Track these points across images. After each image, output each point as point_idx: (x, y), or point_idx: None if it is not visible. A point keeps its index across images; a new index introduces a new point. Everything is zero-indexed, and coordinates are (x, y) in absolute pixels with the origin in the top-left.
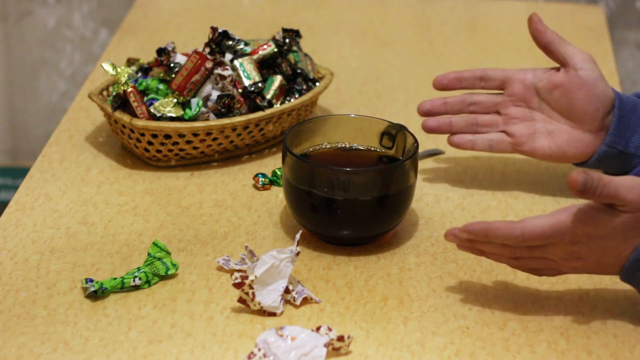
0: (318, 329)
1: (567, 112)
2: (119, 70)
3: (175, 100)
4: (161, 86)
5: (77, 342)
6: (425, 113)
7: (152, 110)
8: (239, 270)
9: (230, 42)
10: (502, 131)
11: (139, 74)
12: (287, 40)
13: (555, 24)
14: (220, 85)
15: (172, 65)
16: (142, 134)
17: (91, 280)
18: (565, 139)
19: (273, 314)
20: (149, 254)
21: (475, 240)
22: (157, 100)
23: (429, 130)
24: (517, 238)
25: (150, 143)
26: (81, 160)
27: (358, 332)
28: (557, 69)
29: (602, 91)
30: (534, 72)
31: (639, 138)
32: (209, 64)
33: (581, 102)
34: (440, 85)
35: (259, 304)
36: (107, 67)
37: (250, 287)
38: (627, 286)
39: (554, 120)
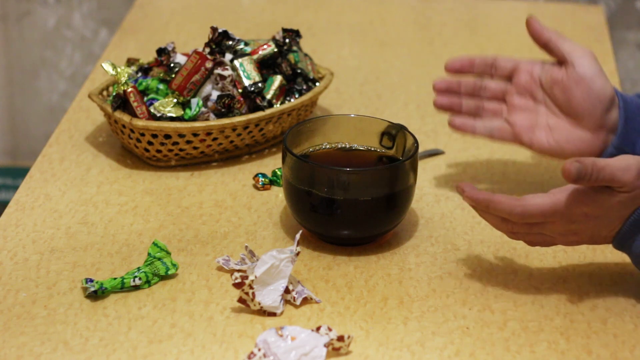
0: (318, 329)
1: (567, 109)
2: (119, 70)
3: (175, 100)
4: (161, 86)
5: (77, 342)
6: (440, 90)
7: (152, 110)
8: (239, 270)
9: (230, 42)
10: (505, 120)
11: (139, 74)
12: (287, 40)
13: (555, 24)
14: (220, 85)
15: (172, 65)
16: (142, 134)
17: (91, 280)
18: (564, 135)
19: (273, 314)
20: (149, 254)
21: (476, 207)
22: (157, 100)
23: (440, 107)
24: (517, 215)
25: (150, 143)
26: (81, 160)
27: (358, 332)
28: (560, 65)
29: (600, 88)
30: (542, 65)
31: None
32: (209, 64)
33: (578, 99)
34: (452, 68)
35: (259, 304)
36: (107, 67)
37: (250, 287)
38: (626, 286)
39: (555, 116)
